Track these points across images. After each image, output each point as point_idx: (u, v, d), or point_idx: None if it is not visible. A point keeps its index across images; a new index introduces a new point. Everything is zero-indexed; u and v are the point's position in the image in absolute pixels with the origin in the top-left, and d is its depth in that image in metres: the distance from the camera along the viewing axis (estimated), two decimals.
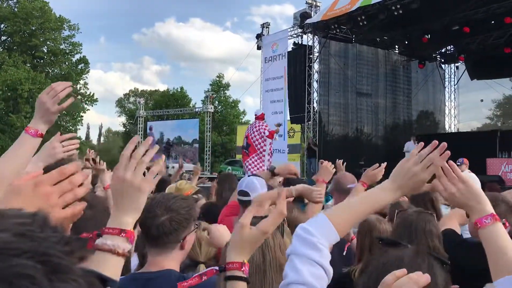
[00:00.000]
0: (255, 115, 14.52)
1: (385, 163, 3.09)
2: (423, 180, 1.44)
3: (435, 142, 1.45)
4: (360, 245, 2.57)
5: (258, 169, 13.96)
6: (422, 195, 3.26)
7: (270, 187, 3.29)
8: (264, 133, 13.52)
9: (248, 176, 3.32)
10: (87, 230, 1.60)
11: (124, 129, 54.26)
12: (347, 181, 3.39)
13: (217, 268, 1.44)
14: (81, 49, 39.23)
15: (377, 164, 3.11)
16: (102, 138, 76.28)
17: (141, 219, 1.91)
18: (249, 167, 13.73)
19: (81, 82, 40.16)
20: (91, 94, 40.95)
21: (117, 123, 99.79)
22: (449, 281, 1.15)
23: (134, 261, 2.61)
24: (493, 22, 15.31)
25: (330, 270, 1.29)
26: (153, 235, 1.87)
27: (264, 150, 14.21)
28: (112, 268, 1.23)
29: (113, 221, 1.28)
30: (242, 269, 1.37)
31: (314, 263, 1.26)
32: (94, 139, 76.21)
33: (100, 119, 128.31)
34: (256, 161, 14.30)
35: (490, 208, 1.47)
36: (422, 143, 1.47)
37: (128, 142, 1.35)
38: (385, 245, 1.32)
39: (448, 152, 1.46)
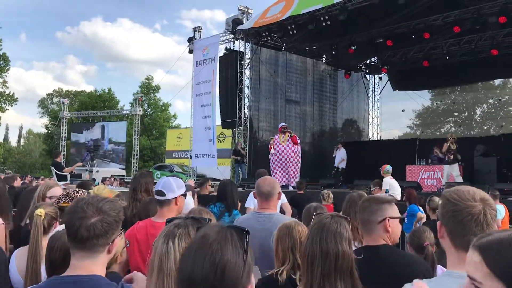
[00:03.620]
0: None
1: None
2: None
3: None
4: (282, 247, 2.63)
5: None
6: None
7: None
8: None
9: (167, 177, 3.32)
10: None
11: (46, 130, 51.50)
12: (265, 184, 3.47)
13: None
14: (1, 45, 37.11)
15: None
16: (22, 140, 72.39)
17: (67, 219, 1.81)
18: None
19: (0, 80, 38.12)
20: (11, 94, 39.04)
21: (39, 124, 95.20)
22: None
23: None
24: (413, 36, 16.15)
25: None
26: (82, 237, 1.76)
27: None
28: None
29: None
30: None
31: None
32: (13, 140, 72.20)
33: (20, 120, 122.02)
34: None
35: None
36: None
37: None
38: None
39: None
